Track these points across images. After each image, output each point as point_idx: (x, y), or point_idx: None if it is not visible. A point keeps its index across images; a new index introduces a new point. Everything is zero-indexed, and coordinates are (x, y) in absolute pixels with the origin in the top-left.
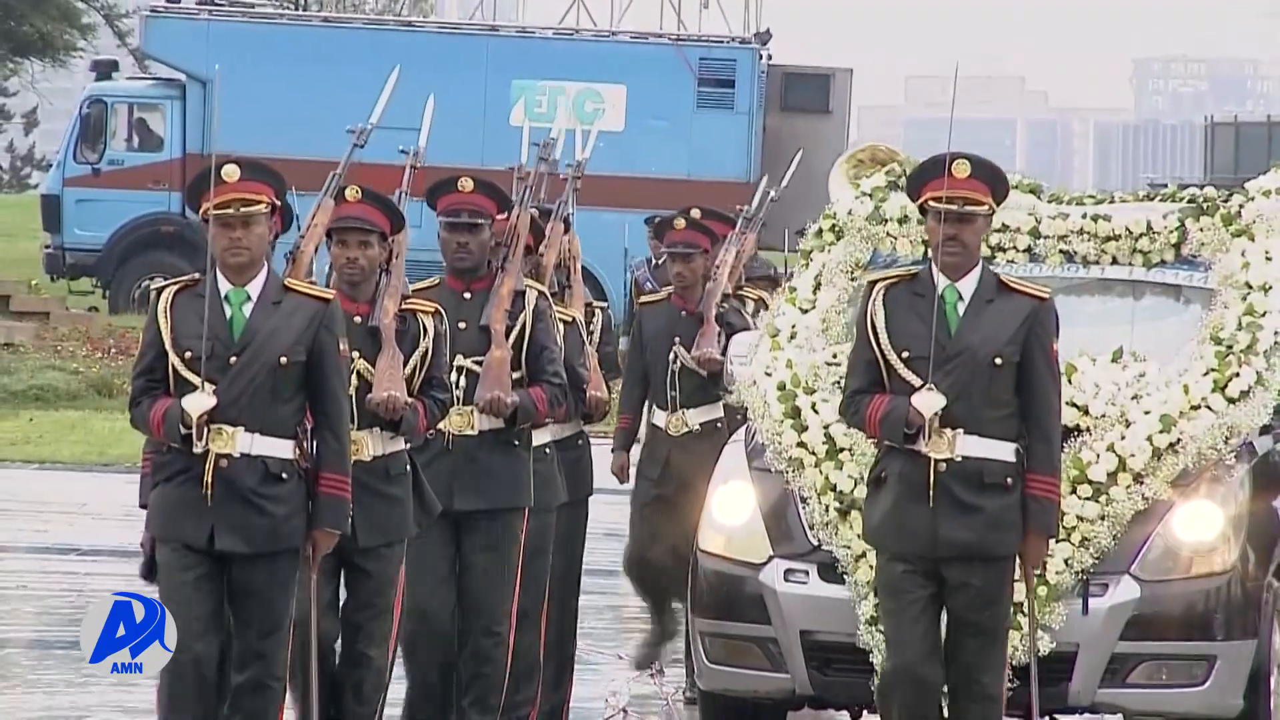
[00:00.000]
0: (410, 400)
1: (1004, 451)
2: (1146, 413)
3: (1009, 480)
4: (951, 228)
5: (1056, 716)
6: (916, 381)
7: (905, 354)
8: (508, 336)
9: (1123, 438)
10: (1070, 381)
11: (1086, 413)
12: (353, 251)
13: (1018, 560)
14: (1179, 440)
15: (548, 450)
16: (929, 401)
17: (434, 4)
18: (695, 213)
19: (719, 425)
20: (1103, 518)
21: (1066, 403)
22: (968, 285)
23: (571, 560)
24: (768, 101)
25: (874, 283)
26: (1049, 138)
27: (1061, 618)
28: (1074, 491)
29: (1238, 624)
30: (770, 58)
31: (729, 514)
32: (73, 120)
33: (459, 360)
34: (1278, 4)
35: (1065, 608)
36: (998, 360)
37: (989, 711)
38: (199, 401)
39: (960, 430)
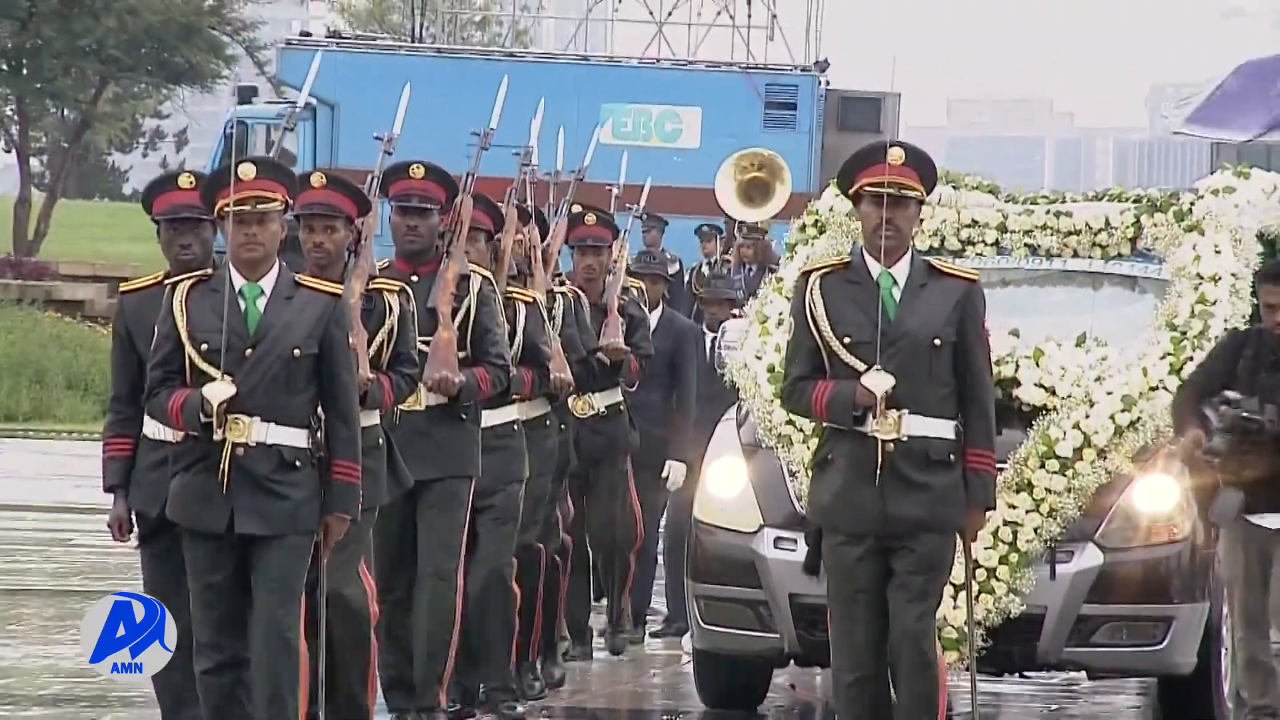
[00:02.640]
0: (373, 375)
1: (945, 429)
2: (1109, 393)
3: (951, 457)
4: (888, 211)
5: (1026, 673)
6: (860, 366)
7: (846, 339)
8: (454, 318)
9: (1087, 416)
10: (1038, 364)
11: (1053, 393)
12: (319, 236)
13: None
14: (1139, 419)
15: (515, 426)
16: (878, 381)
17: (533, 36)
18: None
19: (621, 409)
20: (1069, 490)
21: (1035, 384)
22: (901, 270)
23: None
24: (826, 122)
25: (808, 273)
26: (1074, 154)
27: (1031, 582)
28: (1042, 466)
29: (1192, 588)
30: (828, 84)
31: (722, 487)
32: (218, 140)
33: None
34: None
35: (1034, 573)
36: (937, 341)
37: (931, 676)
38: (220, 390)
39: (905, 410)
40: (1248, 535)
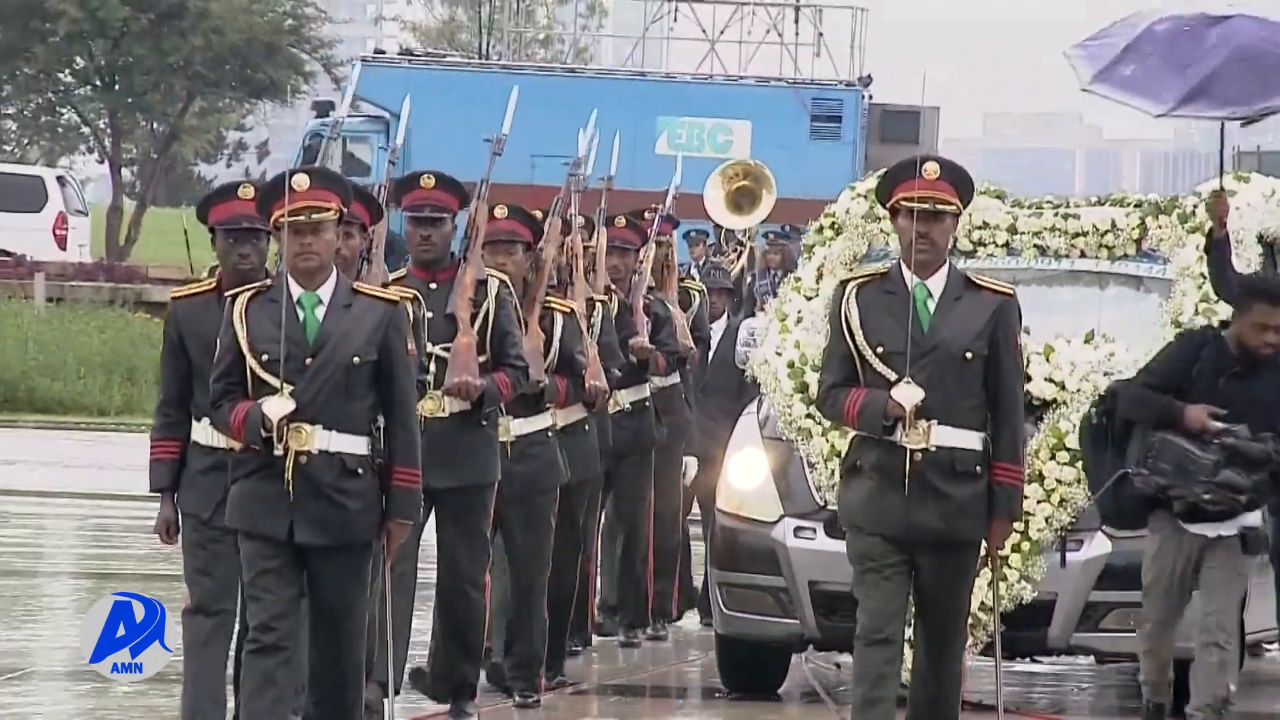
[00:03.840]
0: None
1: (973, 441)
2: None
3: (978, 468)
4: (923, 225)
5: (1036, 657)
6: (891, 375)
7: (880, 349)
8: (472, 324)
9: None
10: (1048, 360)
11: (1064, 388)
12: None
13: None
14: None
15: (549, 434)
16: (908, 394)
17: (592, 54)
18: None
19: (646, 404)
20: (1079, 481)
21: (1045, 379)
22: (937, 283)
23: (572, 532)
24: (868, 134)
25: (845, 282)
26: (1103, 165)
27: (1042, 570)
28: (1053, 457)
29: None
30: (871, 98)
31: (743, 478)
32: (297, 151)
33: (428, 348)
34: None
35: (1045, 561)
36: (968, 354)
37: (952, 686)
38: (279, 406)
39: (934, 421)
40: (1180, 542)
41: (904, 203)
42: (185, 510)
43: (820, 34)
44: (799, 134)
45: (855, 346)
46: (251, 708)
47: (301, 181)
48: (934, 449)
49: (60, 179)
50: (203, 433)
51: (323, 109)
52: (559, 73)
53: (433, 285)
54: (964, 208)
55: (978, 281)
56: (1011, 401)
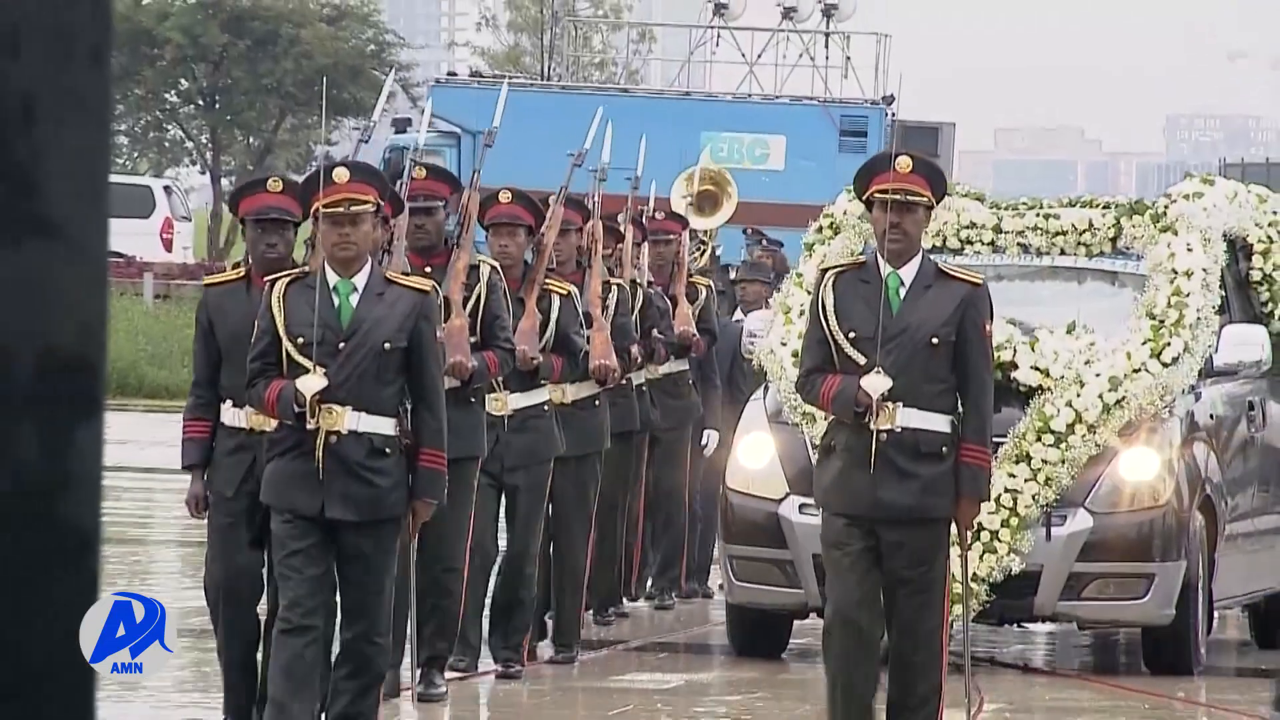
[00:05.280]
0: None
1: (940, 423)
2: (1097, 375)
3: (944, 449)
4: (895, 216)
5: (1024, 624)
6: (861, 359)
7: (851, 334)
8: (464, 306)
9: (1078, 395)
10: (1033, 350)
11: (1048, 375)
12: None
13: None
14: (1124, 397)
15: (545, 408)
16: (875, 384)
17: (642, 76)
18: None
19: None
20: (1063, 461)
21: (1031, 367)
22: (909, 272)
23: (577, 508)
24: (892, 147)
25: (825, 270)
26: (1102, 175)
27: (1029, 543)
28: (1039, 439)
29: (1171, 548)
30: (894, 114)
31: (752, 459)
32: (378, 164)
33: None
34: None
35: (1032, 535)
36: (934, 340)
37: (930, 662)
38: (311, 383)
39: (900, 403)
40: None
41: (878, 195)
42: (213, 488)
43: (848, 58)
44: (829, 147)
45: (829, 331)
46: (280, 686)
47: (342, 174)
48: (899, 430)
49: (166, 188)
50: (229, 414)
51: (401, 125)
52: (613, 93)
53: (427, 269)
54: (937, 201)
55: (948, 271)
56: (978, 386)
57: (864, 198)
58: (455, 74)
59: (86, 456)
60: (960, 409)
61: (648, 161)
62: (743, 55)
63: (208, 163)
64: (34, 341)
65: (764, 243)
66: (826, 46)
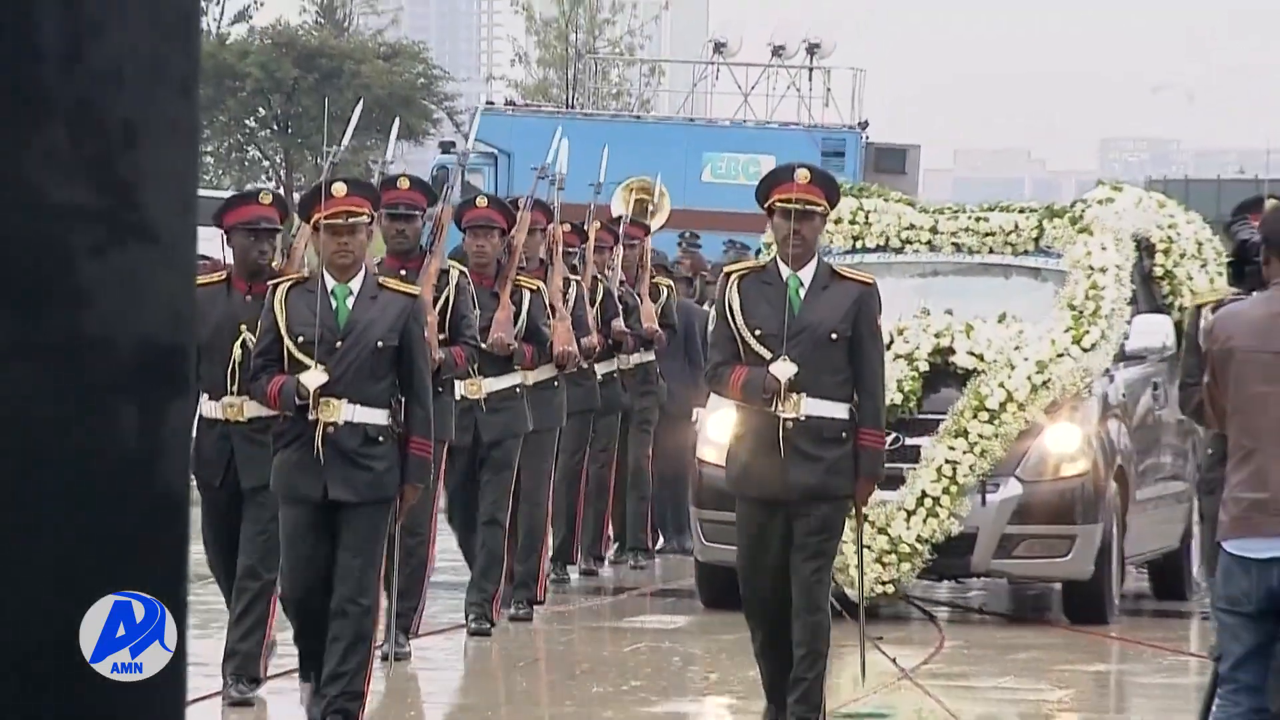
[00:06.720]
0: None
1: (839, 411)
2: (1025, 359)
3: (843, 434)
4: (796, 224)
5: (961, 579)
6: (767, 354)
7: (758, 331)
8: (435, 306)
9: (1009, 377)
10: (969, 336)
11: (982, 359)
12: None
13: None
14: (1049, 379)
15: (518, 390)
16: (783, 369)
17: (653, 104)
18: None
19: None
20: (996, 435)
21: (967, 352)
22: (807, 273)
23: (539, 475)
24: (866, 166)
25: (730, 273)
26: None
27: (967, 508)
28: (975, 416)
29: (1091, 512)
30: (868, 138)
31: (720, 433)
32: (428, 179)
33: None
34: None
35: (969, 501)
36: (833, 335)
37: (820, 621)
38: (314, 377)
39: (804, 394)
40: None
41: (780, 203)
42: (198, 479)
43: (829, 89)
44: None
45: (736, 328)
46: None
47: (340, 189)
48: (804, 418)
49: None
50: (206, 407)
51: (446, 147)
52: (627, 119)
53: (402, 271)
54: (831, 208)
55: (842, 272)
56: (872, 376)
57: (765, 206)
58: (493, 103)
59: (177, 430)
60: (856, 398)
61: (656, 174)
62: (739, 87)
63: (281, 179)
64: (134, 331)
65: (683, 245)
66: (810, 80)
